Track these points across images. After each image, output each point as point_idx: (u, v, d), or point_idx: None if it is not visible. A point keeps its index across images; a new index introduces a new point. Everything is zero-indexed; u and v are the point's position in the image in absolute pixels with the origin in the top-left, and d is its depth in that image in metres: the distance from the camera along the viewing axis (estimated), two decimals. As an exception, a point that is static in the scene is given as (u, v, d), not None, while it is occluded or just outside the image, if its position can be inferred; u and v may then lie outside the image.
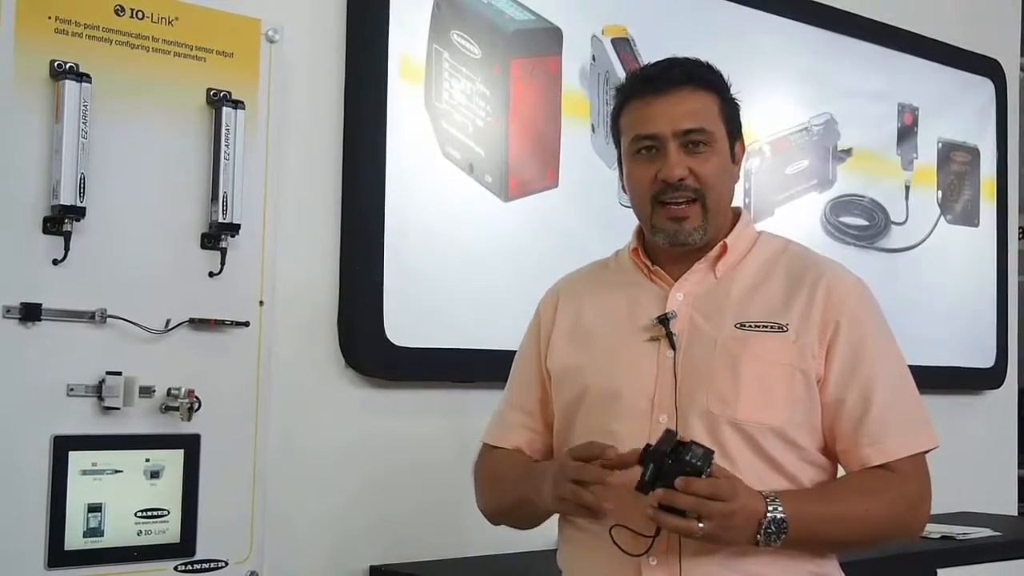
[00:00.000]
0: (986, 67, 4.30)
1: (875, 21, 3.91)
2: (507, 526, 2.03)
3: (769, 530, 1.66)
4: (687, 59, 1.91)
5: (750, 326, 1.80)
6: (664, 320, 1.83)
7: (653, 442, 1.66)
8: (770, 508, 1.67)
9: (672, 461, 1.63)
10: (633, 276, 1.93)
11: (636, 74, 1.95)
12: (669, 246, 1.86)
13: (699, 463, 1.63)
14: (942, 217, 4.16)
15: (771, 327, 1.80)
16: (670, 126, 1.82)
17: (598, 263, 2.05)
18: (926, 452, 1.84)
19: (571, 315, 1.96)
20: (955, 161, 4.20)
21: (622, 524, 1.73)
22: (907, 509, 1.81)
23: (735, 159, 1.91)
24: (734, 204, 1.95)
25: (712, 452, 1.67)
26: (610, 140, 3.13)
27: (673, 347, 1.81)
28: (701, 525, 1.62)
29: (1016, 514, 4.39)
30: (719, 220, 1.87)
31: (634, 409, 1.80)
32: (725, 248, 1.87)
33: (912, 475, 1.80)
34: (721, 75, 1.91)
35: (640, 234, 1.95)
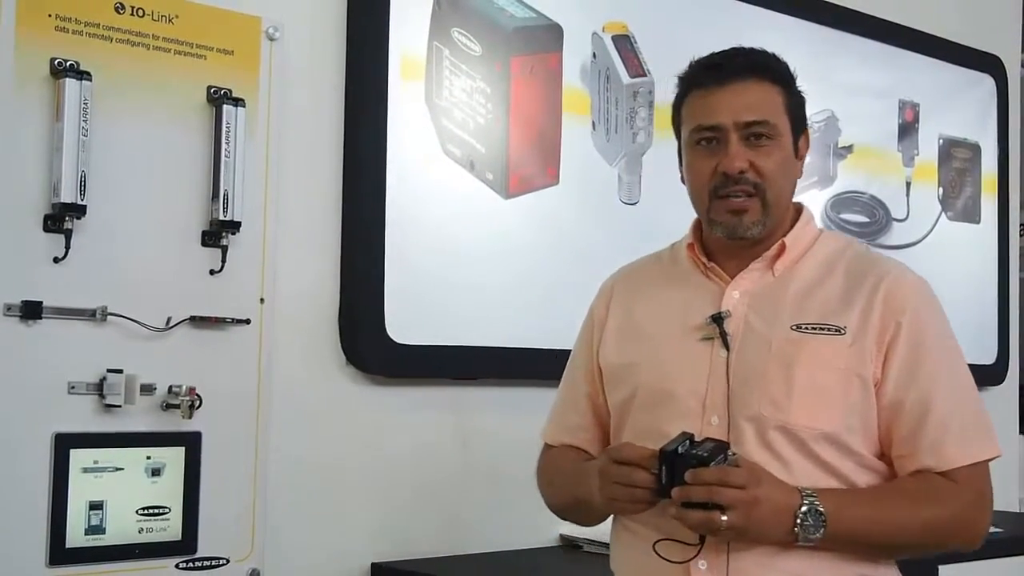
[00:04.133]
0: (987, 63, 4.29)
1: (876, 18, 3.90)
2: (576, 524, 2.00)
3: (806, 522, 1.62)
4: (752, 48, 1.86)
5: (806, 328, 1.75)
6: (718, 319, 1.79)
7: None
8: (806, 501, 1.63)
9: (680, 457, 1.62)
10: (688, 272, 1.89)
11: (699, 63, 1.87)
12: (727, 239, 1.81)
13: (705, 455, 1.61)
14: (943, 214, 4.15)
15: (828, 329, 1.74)
16: (732, 117, 1.77)
17: (653, 256, 2.00)
18: (988, 461, 1.77)
19: (624, 311, 1.92)
20: (956, 157, 4.20)
21: (666, 537, 1.69)
22: (963, 519, 1.76)
23: (798, 153, 1.85)
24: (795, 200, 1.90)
25: (725, 444, 1.65)
26: (610, 138, 3.15)
27: (727, 347, 1.77)
28: (724, 517, 1.59)
29: (1018, 510, 4.38)
30: (779, 215, 1.82)
31: (685, 410, 1.76)
32: (784, 247, 1.83)
33: (971, 484, 1.75)
34: (787, 66, 1.86)
35: (697, 229, 1.90)
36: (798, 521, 1.62)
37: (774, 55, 1.86)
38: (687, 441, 1.64)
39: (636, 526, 1.79)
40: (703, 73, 1.83)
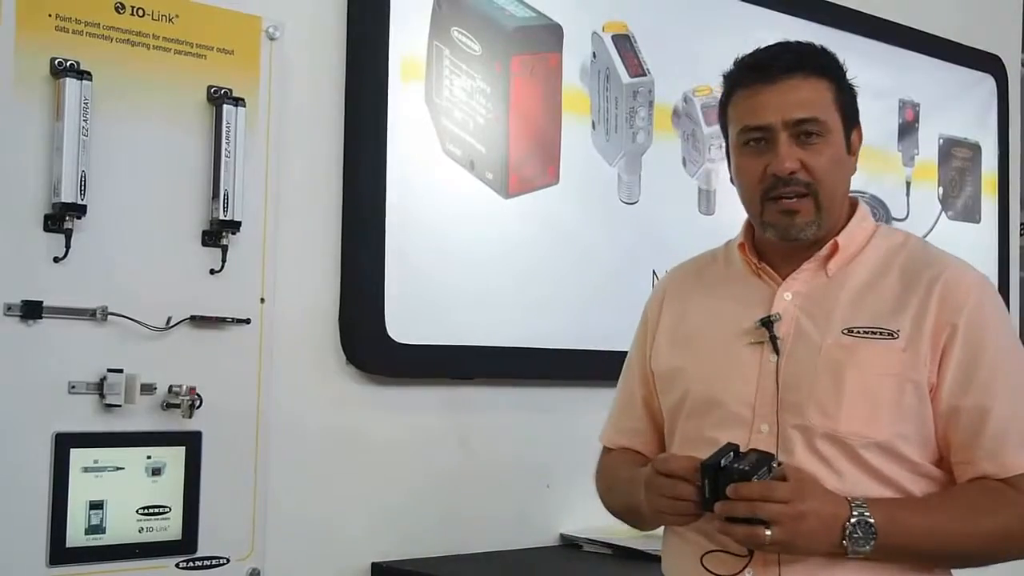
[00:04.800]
0: (987, 63, 4.29)
1: (876, 17, 3.90)
2: (631, 527, 1.98)
3: (855, 534, 1.58)
4: (799, 43, 1.80)
5: (858, 332, 1.70)
6: (768, 323, 1.75)
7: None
8: (855, 512, 1.59)
9: (722, 471, 1.58)
10: (741, 272, 1.85)
11: (744, 61, 1.81)
12: (780, 241, 1.77)
13: (746, 468, 1.58)
14: (943, 213, 4.15)
15: (880, 333, 1.69)
16: (780, 116, 1.71)
17: (707, 255, 1.97)
18: None
19: (676, 315, 1.90)
20: (956, 157, 4.20)
21: (716, 547, 1.67)
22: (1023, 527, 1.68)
23: (851, 149, 1.80)
24: (851, 194, 1.85)
25: (770, 456, 1.61)
26: (610, 138, 3.15)
27: (776, 352, 1.73)
28: (768, 532, 1.56)
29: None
30: (834, 214, 1.77)
31: (734, 417, 1.73)
32: (836, 246, 1.78)
33: None
34: (836, 59, 1.80)
35: (749, 228, 1.86)
36: (847, 533, 1.58)
37: (823, 48, 1.80)
38: (731, 453, 1.61)
39: (688, 533, 1.76)
40: (749, 72, 1.78)
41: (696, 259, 1.98)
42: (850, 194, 1.84)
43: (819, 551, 1.61)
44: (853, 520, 1.58)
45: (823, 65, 1.77)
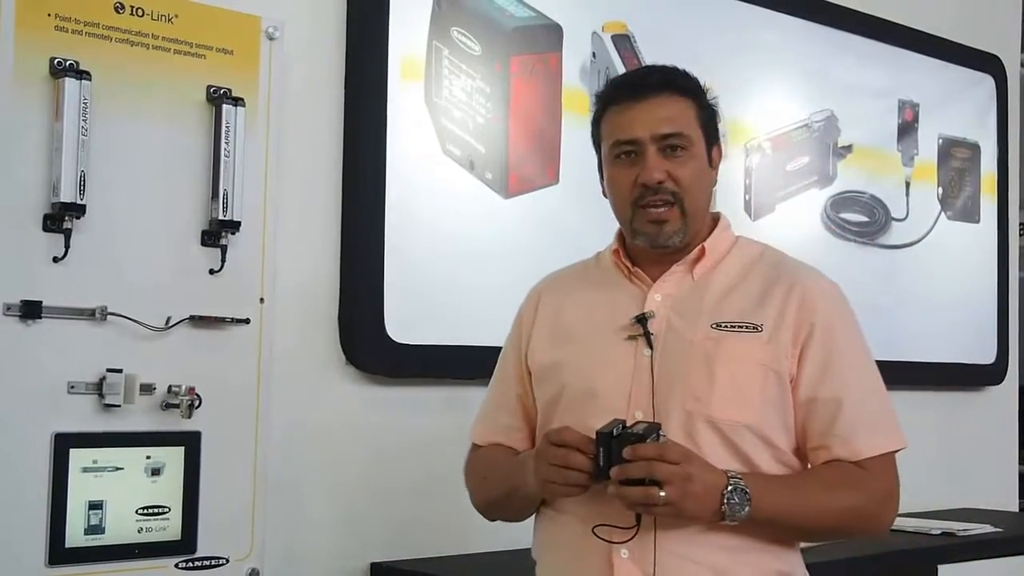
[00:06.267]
0: (987, 63, 4.30)
1: (876, 17, 3.90)
2: (502, 520, 2.04)
3: (732, 500, 1.70)
4: (664, 66, 1.94)
5: (725, 326, 1.83)
6: (642, 320, 1.86)
7: None
8: (731, 481, 1.71)
9: (617, 437, 1.69)
10: (613, 277, 1.96)
11: (615, 81, 1.99)
12: (650, 248, 1.89)
13: (640, 432, 1.69)
14: (943, 213, 4.15)
15: (746, 327, 1.83)
16: (648, 130, 1.85)
17: (580, 264, 2.08)
18: (895, 452, 1.86)
19: (552, 314, 1.99)
20: (956, 157, 4.20)
21: (605, 523, 1.75)
22: (874, 505, 1.84)
23: (712, 163, 1.93)
24: (715, 210, 1.98)
25: (658, 424, 1.73)
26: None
27: (650, 346, 1.84)
28: (662, 494, 1.65)
29: (1017, 510, 4.39)
30: (697, 223, 1.90)
31: (611, 407, 1.81)
32: (703, 251, 1.90)
33: (881, 474, 1.83)
34: (698, 81, 1.94)
35: (621, 236, 1.98)
36: (725, 499, 1.70)
37: (685, 72, 1.94)
38: (621, 425, 1.72)
39: (563, 516, 1.85)
40: (620, 90, 1.92)
41: (568, 267, 2.09)
42: (717, 211, 1.98)
43: (701, 516, 1.72)
44: (730, 487, 1.71)
45: (686, 86, 1.91)
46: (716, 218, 1.97)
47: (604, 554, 1.77)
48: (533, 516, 1.97)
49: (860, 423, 1.82)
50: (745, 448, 1.79)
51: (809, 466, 1.87)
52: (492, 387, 2.10)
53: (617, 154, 1.90)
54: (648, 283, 1.91)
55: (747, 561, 1.78)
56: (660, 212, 1.85)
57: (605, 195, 1.97)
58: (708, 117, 1.93)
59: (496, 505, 2.01)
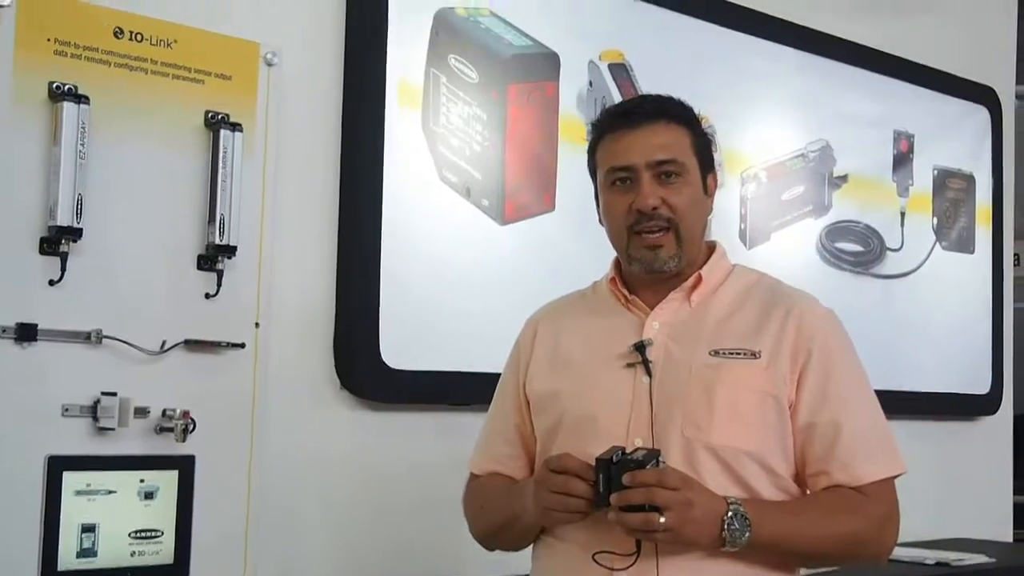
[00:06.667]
0: (982, 95, 4.32)
1: (871, 48, 3.93)
2: (501, 550, 2.04)
3: (732, 525, 1.70)
4: (659, 95, 1.97)
5: (724, 353, 1.84)
6: (641, 347, 1.86)
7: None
8: (731, 507, 1.71)
9: (616, 464, 1.69)
10: (611, 305, 1.97)
11: (610, 110, 2.02)
12: (645, 274, 1.91)
13: (640, 458, 1.69)
14: (937, 244, 4.16)
15: (744, 354, 1.84)
16: (643, 157, 1.87)
17: (577, 293, 2.09)
18: (894, 478, 1.87)
19: (550, 343, 2.00)
20: (951, 188, 4.21)
21: (605, 550, 1.75)
22: (874, 530, 1.84)
23: (707, 191, 1.96)
24: (710, 239, 2.00)
25: (657, 451, 1.73)
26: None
27: (649, 374, 1.85)
28: (663, 520, 1.65)
29: (1011, 541, 4.38)
30: (693, 249, 1.92)
31: (610, 434, 1.82)
32: (700, 279, 1.92)
33: (880, 499, 1.84)
34: (692, 110, 1.97)
35: (617, 265, 1.99)
36: (725, 524, 1.70)
37: (679, 100, 1.96)
38: (620, 451, 1.72)
39: (563, 544, 1.86)
40: (615, 119, 1.95)
41: (565, 296, 2.11)
42: (712, 239, 2.01)
43: (701, 543, 1.72)
44: (730, 513, 1.71)
45: (681, 114, 1.94)
46: (712, 247, 1.99)
47: None
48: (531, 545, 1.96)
49: (859, 448, 1.83)
50: (745, 475, 1.80)
51: (808, 492, 1.87)
52: (490, 416, 2.10)
53: (612, 181, 1.92)
54: (645, 311, 1.92)
55: None
56: (655, 237, 1.87)
57: (601, 222, 1.98)
58: (703, 145, 1.95)
59: (495, 534, 2.01)
